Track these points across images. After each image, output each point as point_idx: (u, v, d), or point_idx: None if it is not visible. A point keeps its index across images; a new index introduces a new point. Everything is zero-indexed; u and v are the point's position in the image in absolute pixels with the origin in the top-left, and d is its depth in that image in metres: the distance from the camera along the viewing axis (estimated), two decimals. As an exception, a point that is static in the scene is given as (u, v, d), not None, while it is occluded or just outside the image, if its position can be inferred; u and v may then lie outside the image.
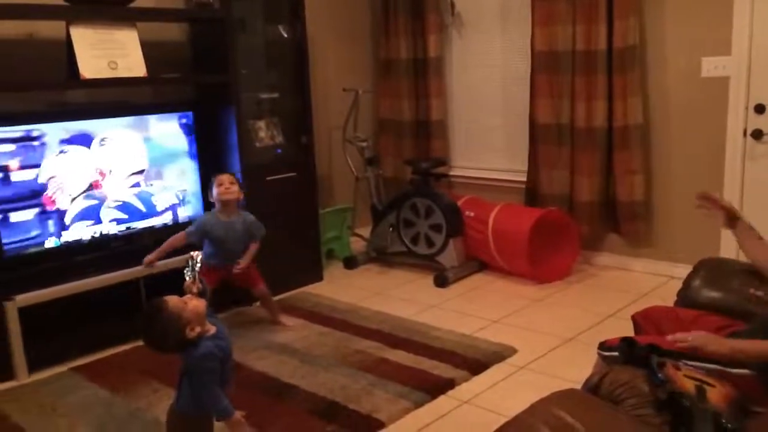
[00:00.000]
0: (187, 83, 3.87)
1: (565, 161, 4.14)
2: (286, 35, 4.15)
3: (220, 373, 2.02)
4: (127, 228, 3.51)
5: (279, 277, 3.97)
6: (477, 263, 4.26)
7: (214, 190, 3.27)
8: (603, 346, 1.91)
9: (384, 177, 4.79)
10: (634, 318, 2.15)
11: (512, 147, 4.57)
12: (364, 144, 4.57)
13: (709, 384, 1.58)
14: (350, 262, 4.49)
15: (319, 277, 4.24)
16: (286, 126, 4.15)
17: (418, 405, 2.65)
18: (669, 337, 1.79)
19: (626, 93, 3.84)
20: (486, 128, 4.74)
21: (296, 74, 4.10)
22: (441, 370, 2.93)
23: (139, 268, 3.32)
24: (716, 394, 1.54)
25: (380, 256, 4.49)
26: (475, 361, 3.01)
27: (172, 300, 1.95)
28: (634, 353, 1.75)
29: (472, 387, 2.80)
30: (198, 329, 1.95)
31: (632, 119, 3.86)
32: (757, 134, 3.54)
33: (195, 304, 1.97)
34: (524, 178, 4.39)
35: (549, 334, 3.29)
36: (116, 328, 3.36)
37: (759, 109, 3.52)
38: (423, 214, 4.25)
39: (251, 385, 2.85)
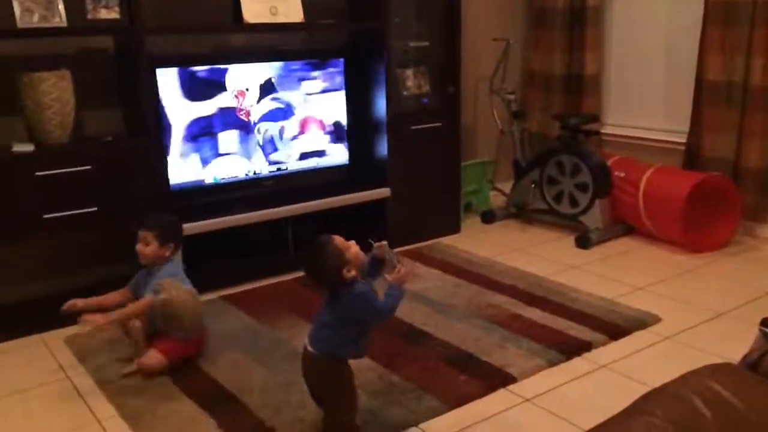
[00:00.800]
0: (341, 30, 3.93)
1: (734, 123, 3.79)
2: (438, -18, 4.08)
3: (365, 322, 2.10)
4: (278, 169, 3.67)
5: (416, 226, 4.02)
6: (623, 227, 4.05)
7: None
8: (766, 322, 1.76)
9: (529, 132, 4.64)
10: (805, 295, 1.95)
11: (673, 105, 4.25)
12: (511, 97, 4.44)
13: None
14: (488, 217, 4.43)
15: (456, 229, 4.23)
16: (433, 75, 4.12)
17: (552, 364, 2.60)
18: None
19: (815, 48, 3.43)
20: (645, 84, 4.43)
21: (447, 23, 4.03)
22: (577, 331, 2.84)
23: (288, 207, 3.48)
24: None
25: (519, 213, 4.40)
26: (615, 326, 2.89)
27: (338, 239, 2.05)
28: (803, 333, 1.59)
29: (609, 352, 2.70)
30: (354, 272, 2.03)
31: (819, 78, 3.45)
32: None
33: (357, 249, 2.06)
34: (684, 140, 4.08)
35: (699, 306, 3.08)
36: (263, 263, 3.57)
37: None
38: (569, 172, 4.08)
39: (385, 327, 2.91)
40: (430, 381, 2.48)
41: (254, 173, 3.59)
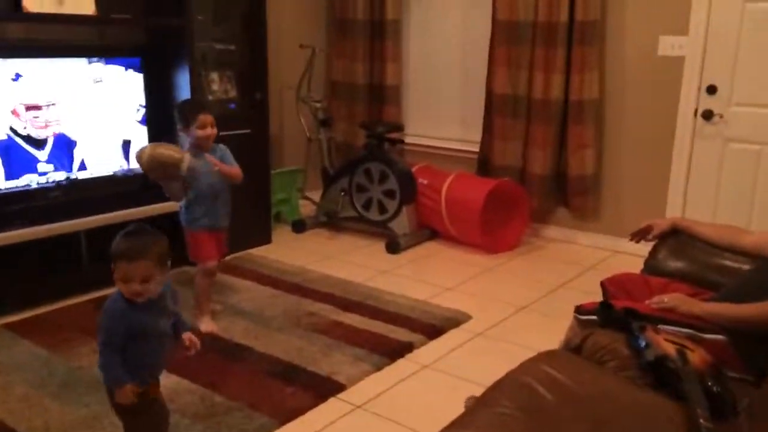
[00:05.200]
0: (139, 26, 3.63)
1: (520, 133, 4.15)
2: (243, -17, 3.96)
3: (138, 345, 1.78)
4: (67, 178, 3.28)
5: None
6: (428, 231, 4.24)
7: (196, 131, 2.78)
8: (580, 310, 1.91)
9: (335, 140, 4.68)
10: (603, 284, 2.16)
11: (467, 116, 4.55)
12: (319, 105, 4.44)
13: (688, 348, 1.60)
14: (299, 226, 4.38)
15: (267, 240, 4.12)
16: (239, 80, 3.98)
17: (378, 368, 2.61)
18: (647, 301, 1.81)
19: (584, 67, 3.87)
20: (441, 96, 4.69)
21: (252, 26, 3.92)
22: (398, 334, 2.90)
23: (80, 220, 3.12)
24: (696, 358, 1.56)
25: (330, 221, 4.40)
26: (431, 326, 2.99)
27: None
28: (612, 317, 1.76)
29: (430, 352, 2.78)
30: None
31: (588, 94, 3.90)
32: (708, 114, 3.64)
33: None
34: (477, 149, 4.38)
35: (502, 301, 3.31)
36: (53, 284, 3.16)
37: (711, 89, 3.62)
38: (377, 180, 4.18)
39: (201, 345, 2.73)
40: (257, 397, 2.36)
41: (45, 182, 3.17)
